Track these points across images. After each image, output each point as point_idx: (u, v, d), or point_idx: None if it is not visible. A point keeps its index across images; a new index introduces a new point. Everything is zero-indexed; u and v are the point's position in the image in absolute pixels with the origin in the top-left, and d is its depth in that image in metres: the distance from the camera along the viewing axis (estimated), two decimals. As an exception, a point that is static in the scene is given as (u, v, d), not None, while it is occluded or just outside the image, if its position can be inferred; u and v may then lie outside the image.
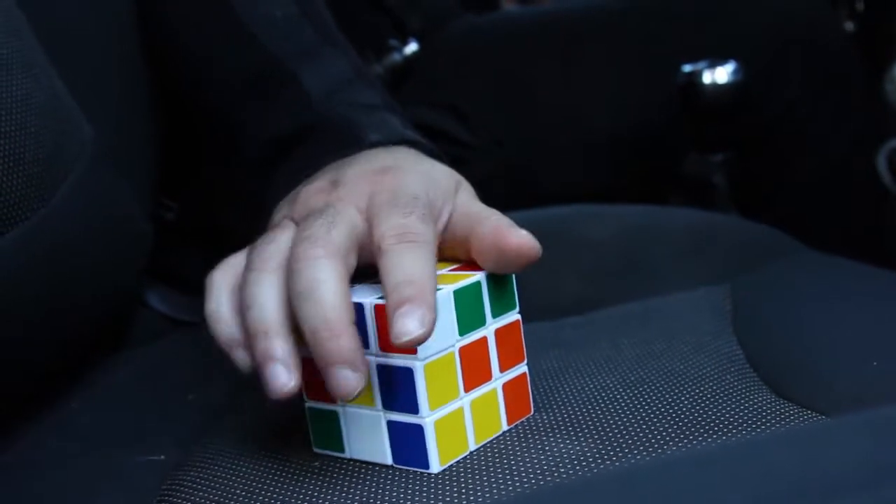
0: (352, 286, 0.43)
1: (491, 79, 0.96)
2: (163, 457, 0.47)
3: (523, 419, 0.43)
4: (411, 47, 0.85)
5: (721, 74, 0.80)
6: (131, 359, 0.62)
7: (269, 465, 0.43)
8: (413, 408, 0.39)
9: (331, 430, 0.42)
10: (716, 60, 0.81)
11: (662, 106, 0.90)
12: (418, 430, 0.39)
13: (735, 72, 0.81)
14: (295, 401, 0.48)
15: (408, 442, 0.39)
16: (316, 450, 0.43)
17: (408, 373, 0.39)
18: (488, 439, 0.42)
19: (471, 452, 0.41)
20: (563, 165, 0.96)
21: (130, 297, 0.67)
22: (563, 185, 0.96)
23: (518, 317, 0.43)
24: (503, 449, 0.40)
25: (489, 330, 0.42)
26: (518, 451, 0.40)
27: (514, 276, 0.43)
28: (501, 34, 0.99)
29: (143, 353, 0.63)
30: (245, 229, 0.51)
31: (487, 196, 0.94)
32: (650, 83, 0.94)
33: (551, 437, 0.41)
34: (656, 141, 0.94)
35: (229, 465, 0.44)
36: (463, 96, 0.95)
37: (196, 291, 0.77)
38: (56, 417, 0.55)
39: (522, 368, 0.43)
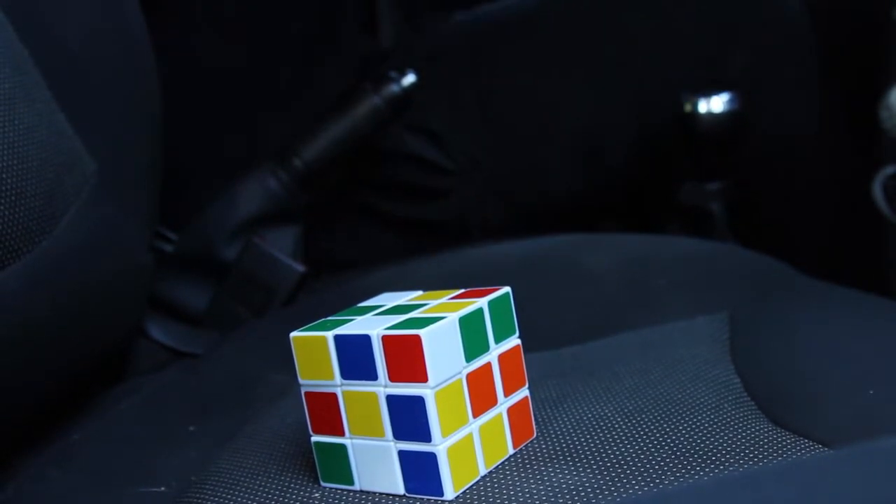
0: (361, 312, 0.43)
1: (470, 98, 0.96)
2: (164, 488, 0.47)
3: (526, 445, 0.44)
4: (409, 78, 0.85)
5: (717, 104, 0.81)
6: (132, 390, 0.62)
7: (271, 496, 0.43)
8: (425, 436, 0.39)
9: (339, 463, 0.42)
10: (712, 90, 0.82)
11: (659, 134, 0.91)
12: (431, 459, 0.39)
13: (731, 101, 0.82)
14: (298, 433, 0.48)
15: (420, 470, 0.40)
16: (324, 484, 0.43)
17: (419, 401, 0.39)
18: (496, 463, 0.42)
19: (479, 478, 0.41)
20: (551, 183, 0.96)
21: (132, 329, 0.67)
22: (553, 203, 0.96)
23: (518, 341, 0.44)
24: (502, 479, 0.41)
25: (493, 355, 0.42)
26: (517, 481, 0.40)
27: (512, 301, 0.43)
28: (476, 50, 0.98)
29: (144, 384, 0.63)
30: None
31: (483, 217, 0.94)
32: (646, 111, 0.94)
33: (550, 467, 0.41)
34: (653, 169, 0.95)
35: (230, 497, 0.44)
36: (437, 117, 0.94)
37: (196, 322, 0.78)
38: (57, 449, 0.55)
39: (524, 392, 0.44)
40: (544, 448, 0.43)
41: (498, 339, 0.42)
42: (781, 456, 0.39)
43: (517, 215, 0.95)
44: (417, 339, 0.38)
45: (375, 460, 0.41)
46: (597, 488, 0.38)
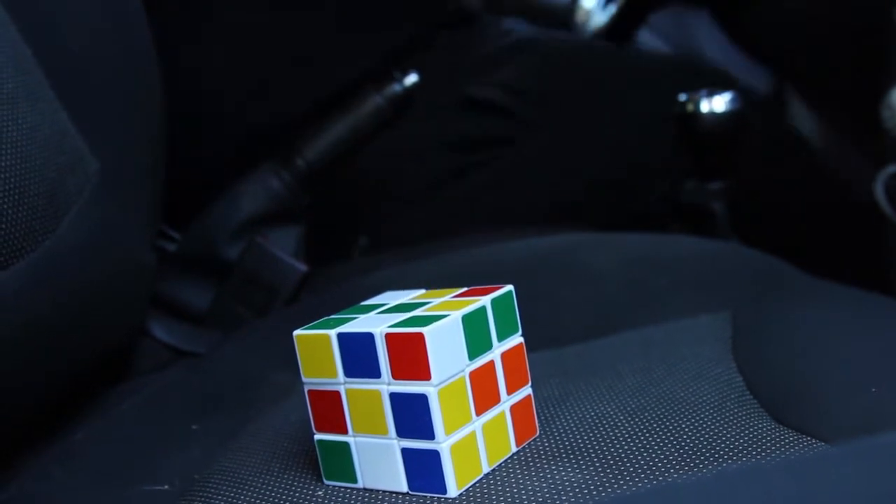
0: (364, 310, 0.43)
1: (535, 74, 0.97)
2: (167, 487, 0.47)
3: (528, 443, 0.44)
4: (411, 78, 0.85)
5: (719, 103, 0.81)
6: (134, 389, 0.63)
7: (274, 494, 0.43)
8: (428, 434, 0.39)
9: (342, 461, 0.42)
10: (714, 89, 0.82)
11: (662, 134, 0.91)
12: (434, 456, 0.39)
13: (733, 100, 0.81)
14: (301, 431, 0.48)
15: (424, 468, 0.40)
16: (327, 482, 0.43)
17: (422, 399, 0.39)
18: (499, 461, 0.42)
19: (482, 476, 0.41)
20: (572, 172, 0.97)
21: (134, 328, 0.67)
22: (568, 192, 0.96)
23: (521, 339, 0.44)
24: (506, 477, 0.41)
25: (496, 353, 0.42)
26: (521, 479, 0.40)
27: (515, 299, 0.43)
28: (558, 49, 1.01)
29: (147, 383, 0.64)
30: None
31: (520, 182, 0.94)
32: (649, 112, 0.95)
33: (553, 464, 0.41)
34: (655, 169, 0.95)
35: (233, 495, 0.44)
36: (516, 78, 0.95)
37: (198, 321, 0.78)
38: (60, 448, 0.55)
39: (527, 390, 0.44)
40: (547, 446, 0.43)
41: (501, 338, 0.43)
42: (784, 454, 0.39)
43: (545, 194, 0.95)
44: (421, 336, 0.38)
45: (378, 458, 0.41)
46: (599, 486, 0.38)
